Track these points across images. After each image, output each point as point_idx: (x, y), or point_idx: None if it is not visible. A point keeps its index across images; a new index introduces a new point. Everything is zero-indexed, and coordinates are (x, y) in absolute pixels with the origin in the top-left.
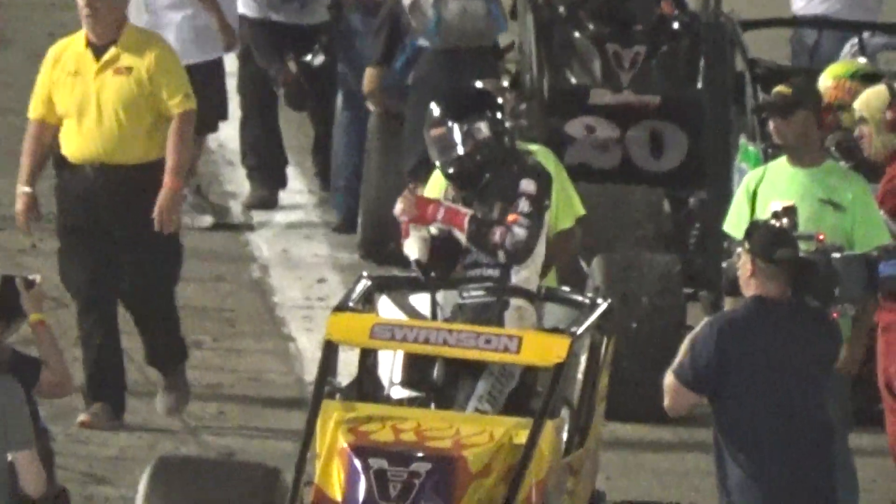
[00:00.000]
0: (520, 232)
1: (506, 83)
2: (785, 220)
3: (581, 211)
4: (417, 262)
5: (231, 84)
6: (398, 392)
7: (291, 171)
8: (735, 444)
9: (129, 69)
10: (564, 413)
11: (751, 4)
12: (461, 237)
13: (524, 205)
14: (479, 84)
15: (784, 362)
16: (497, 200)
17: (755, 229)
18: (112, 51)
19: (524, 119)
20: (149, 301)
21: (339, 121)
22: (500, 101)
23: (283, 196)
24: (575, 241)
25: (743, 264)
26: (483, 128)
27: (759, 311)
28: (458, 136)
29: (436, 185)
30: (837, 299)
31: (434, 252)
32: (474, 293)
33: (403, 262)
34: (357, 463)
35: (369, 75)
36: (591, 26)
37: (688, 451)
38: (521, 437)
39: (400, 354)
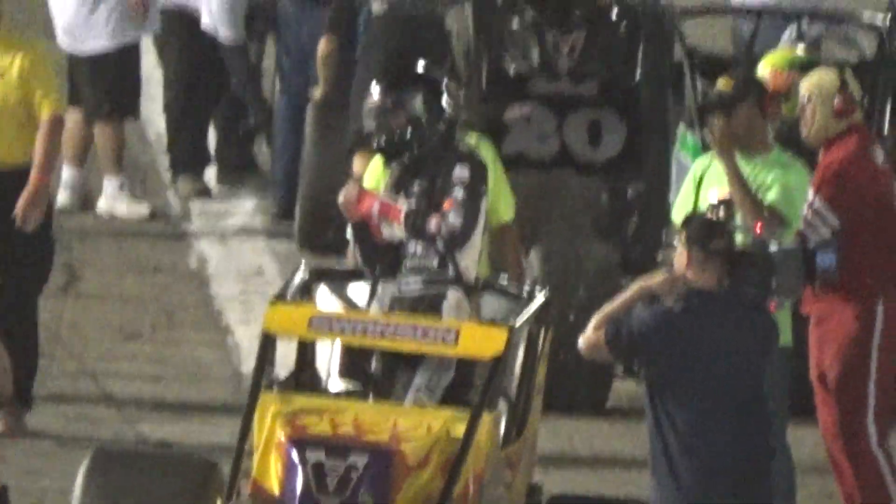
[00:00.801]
0: (455, 219)
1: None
2: (721, 212)
3: (509, 214)
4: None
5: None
6: (336, 384)
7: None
8: (671, 436)
9: (1, 74)
10: (502, 405)
11: None
12: (398, 230)
13: (458, 192)
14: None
15: (720, 354)
16: (431, 188)
17: (691, 220)
18: None
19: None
20: (12, 306)
21: (277, 107)
22: (444, 85)
23: (221, 186)
24: (515, 235)
25: (678, 255)
26: (417, 104)
27: (697, 305)
28: (390, 106)
29: (375, 173)
30: (774, 291)
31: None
32: (413, 285)
33: (341, 250)
34: (294, 456)
35: (322, 44)
36: (529, 13)
37: (625, 442)
38: (459, 430)
39: (337, 346)
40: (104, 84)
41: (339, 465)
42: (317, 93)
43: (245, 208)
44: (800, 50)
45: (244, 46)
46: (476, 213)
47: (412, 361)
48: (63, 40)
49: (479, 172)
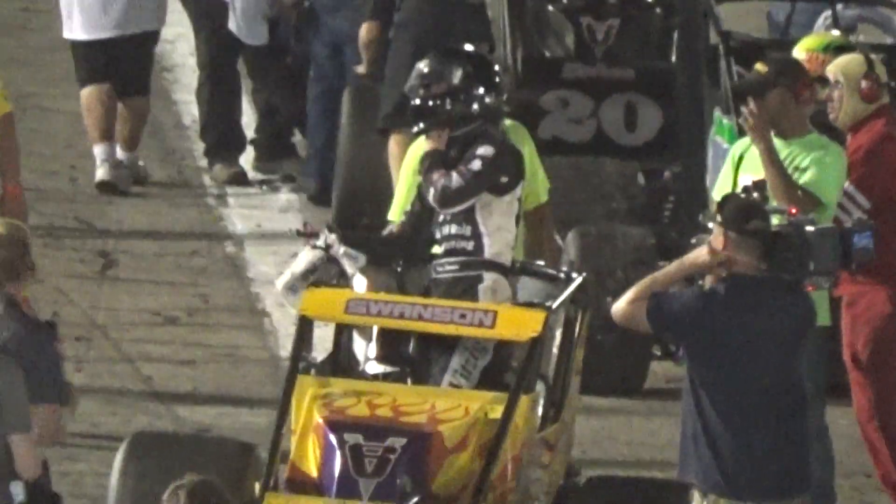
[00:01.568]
0: (455, 179)
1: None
2: (755, 195)
3: (545, 196)
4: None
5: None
6: (373, 367)
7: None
8: (711, 415)
9: None
10: (540, 387)
11: None
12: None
13: (475, 163)
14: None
15: (758, 336)
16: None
17: (727, 202)
18: None
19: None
20: None
21: (311, 94)
22: (495, 70)
23: (257, 171)
24: (551, 217)
25: (715, 237)
26: (457, 77)
27: (738, 288)
28: (434, 74)
29: (414, 157)
30: (811, 272)
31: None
32: (448, 267)
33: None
34: (332, 438)
35: (364, 30)
36: None
37: (662, 423)
38: (497, 412)
39: (375, 329)
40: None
41: (377, 448)
42: (360, 69)
43: (282, 193)
44: (835, 34)
45: (269, 46)
46: (481, 186)
47: (449, 344)
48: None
49: (506, 157)
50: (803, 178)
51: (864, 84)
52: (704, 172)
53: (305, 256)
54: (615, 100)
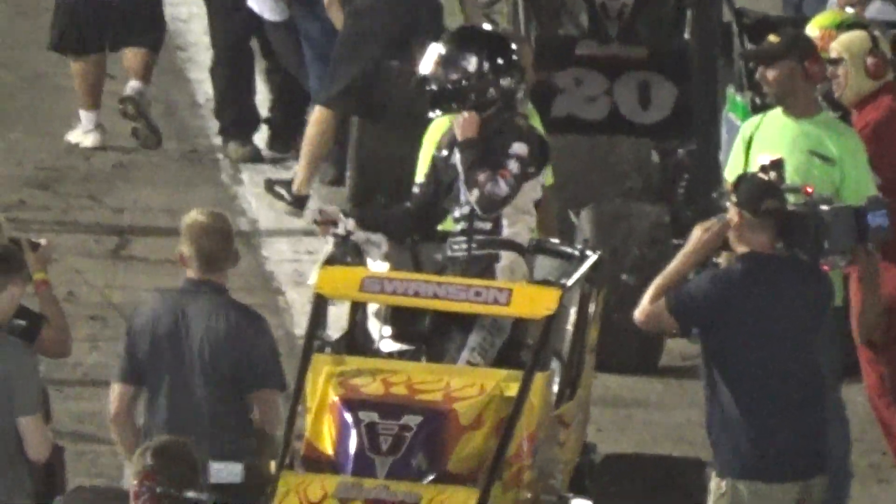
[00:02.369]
0: (503, 187)
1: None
2: (772, 174)
3: (550, 178)
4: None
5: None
6: (388, 345)
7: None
8: (727, 397)
9: None
10: (555, 365)
11: None
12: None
13: (514, 165)
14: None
15: (776, 316)
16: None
17: (742, 182)
18: None
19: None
20: None
21: (313, 74)
22: (512, 52)
23: (272, 150)
24: (551, 199)
25: (730, 217)
26: (471, 63)
27: (755, 267)
28: (452, 58)
29: (437, 131)
30: (827, 251)
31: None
32: (465, 246)
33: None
34: (348, 416)
35: None
36: None
37: (678, 402)
38: (512, 390)
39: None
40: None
41: (393, 426)
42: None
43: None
44: (848, 11)
45: (288, 23)
46: (520, 188)
47: (465, 322)
48: None
49: (538, 150)
50: (853, 184)
51: (869, 61)
52: (718, 150)
53: (330, 249)
54: (629, 78)
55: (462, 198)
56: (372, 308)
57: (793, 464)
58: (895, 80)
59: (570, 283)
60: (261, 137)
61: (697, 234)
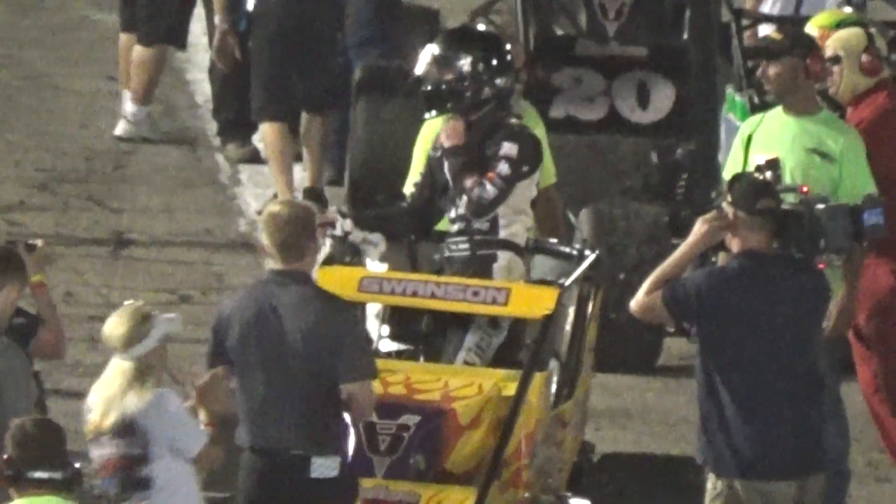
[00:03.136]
0: (490, 190)
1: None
2: (768, 174)
3: (553, 177)
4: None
5: None
6: (387, 345)
7: None
8: (723, 394)
9: None
10: (553, 365)
11: None
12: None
13: (503, 167)
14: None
15: (771, 313)
16: (479, 153)
17: (737, 181)
18: None
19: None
20: None
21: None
22: (506, 52)
23: None
24: (559, 196)
25: (725, 216)
26: (466, 63)
27: (751, 265)
28: (445, 58)
29: (431, 130)
30: (823, 250)
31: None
32: (462, 246)
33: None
34: (346, 416)
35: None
36: None
37: (677, 401)
38: (510, 389)
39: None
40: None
41: (391, 425)
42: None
43: (294, 173)
44: (847, 10)
45: None
46: (511, 189)
47: (463, 322)
48: None
49: (529, 150)
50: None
51: (864, 58)
52: (717, 149)
53: (327, 250)
54: (628, 77)
55: (455, 195)
56: (371, 309)
57: (790, 462)
58: (890, 79)
59: (568, 282)
60: (259, 138)
61: (698, 226)
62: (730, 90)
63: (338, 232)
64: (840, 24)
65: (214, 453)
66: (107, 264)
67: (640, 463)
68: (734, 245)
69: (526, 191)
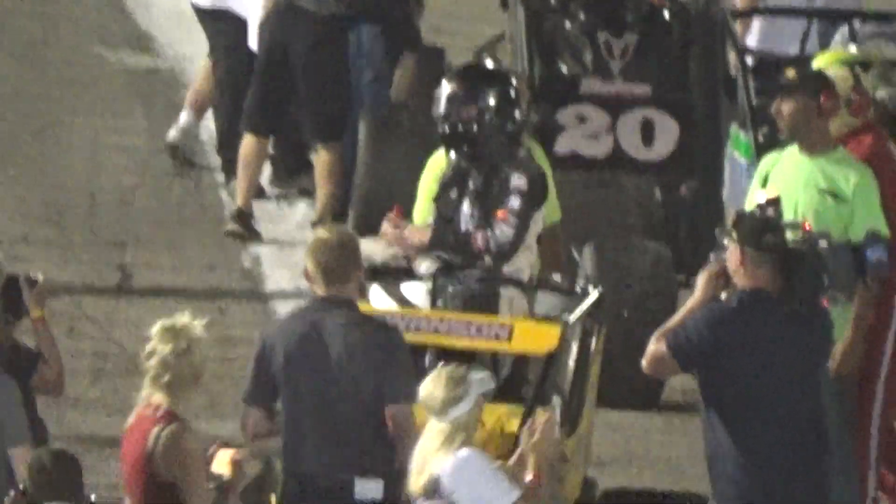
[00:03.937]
0: (507, 230)
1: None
2: (770, 211)
3: (559, 213)
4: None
5: None
6: None
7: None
8: (726, 437)
9: None
10: (556, 401)
11: None
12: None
13: (515, 201)
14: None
15: (772, 354)
16: (487, 192)
17: (743, 218)
18: None
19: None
20: None
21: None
22: (514, 86)
23: (274, 187)
24: (560, 236)
25: (731, 253)
26: (490, 98)
27: (752, 302)
28: (462, 97)
29: (436, 164)
30: (827, 287)
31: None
32: (467, 281)
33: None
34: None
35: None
36: (581, 16)
37: (679, 438)
38: (513, 425)
39: None
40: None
41: None
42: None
43: (299, 208)
44: (852, 48)
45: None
46: (528, 223)
47: (466, 357)
48: None
49: (537, 182)
50: (863, 223)
51: (852, 97)
52: (721, 187)
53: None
54: (632, 115)
55: (463, 229)
56: None
57: (794, 497)
58: (875, 120)
59: (571, 319)
60: (264, 174)
61: (702, 280)
62: (734, 128)
63: None
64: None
65: None
66: (110, 298)
67: (643, 500)
68: (739, 281)
69: (533, 225)
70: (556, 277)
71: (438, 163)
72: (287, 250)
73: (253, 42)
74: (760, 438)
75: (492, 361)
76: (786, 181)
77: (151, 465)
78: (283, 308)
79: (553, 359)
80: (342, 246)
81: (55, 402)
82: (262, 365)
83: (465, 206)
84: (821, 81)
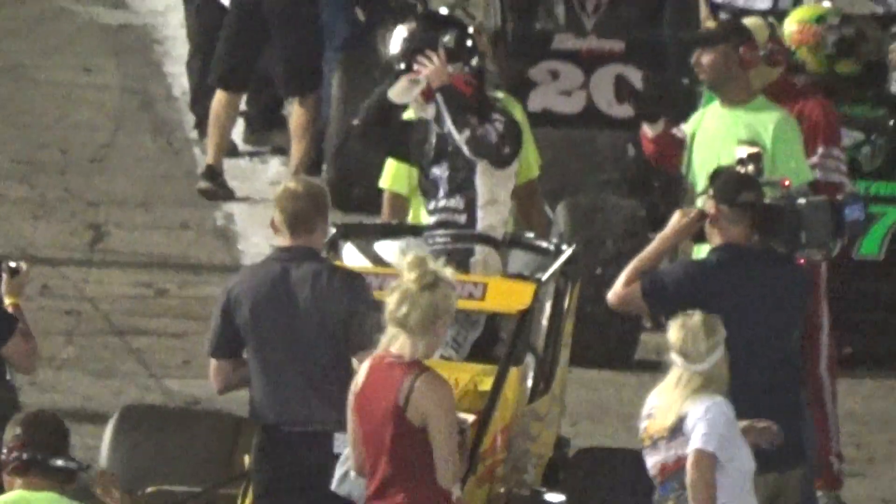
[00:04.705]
0: (492, 133)
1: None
2: (750, 167)
3: (537, 170)
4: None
5: None
6: None
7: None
8: None
9: None
10: (529, 359)
11: None
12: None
13: (499, 126)
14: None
15: (752, 307)
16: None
17: (719, 175)
18: None
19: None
20: None
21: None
22: (471, 35)
23: (247, 144)
24: (540, 191)
25: (706, 209)
26: (447, 42)
27: (728, 257)
28: (420, 40)
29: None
30: (804, 245)
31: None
32: (440, 240)
33: (368, 208)
34: None
35: None
36: None
37: None
38: (486, 384)
39: None
40: None
41: None
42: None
43: (272, 165)
44: (826, 4)
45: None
46: (504, 147)
47: None
48: None
49: (512, 131)
50: (784, 167)
51: (769, 47)
52: None
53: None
54: (606, 71)
55: (438, 187)
56: None
57: (769, 455)
58: (812, 83)
59: (545, 277)
60: (237, 131)
61: (676, 218)
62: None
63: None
64: (820, 18)
65: None
66: (83, 257)
67: (617, 458)
68: (714, 237)
69: (506, 180)
70: (530, 235)
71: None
72: (260, 208)
73: None
74: (735, 391)
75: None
76: (708, 136)
77: (403, 416)
78: None
79: (526, 317)
80: (310, 196)
81: None
82: (227, 317)
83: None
84: (741, 32)
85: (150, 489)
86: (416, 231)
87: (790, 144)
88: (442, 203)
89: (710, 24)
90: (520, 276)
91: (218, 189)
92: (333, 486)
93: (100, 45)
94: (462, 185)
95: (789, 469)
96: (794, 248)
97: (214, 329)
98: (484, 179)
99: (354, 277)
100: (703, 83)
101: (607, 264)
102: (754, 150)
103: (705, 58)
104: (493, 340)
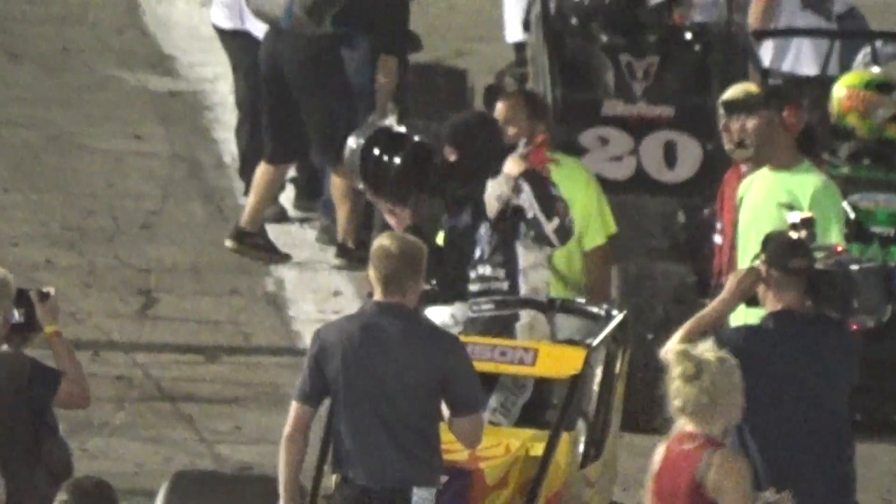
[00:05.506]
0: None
1: None
2: (803, 232)
3: (613, 228)
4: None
5: None
6: None
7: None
8: (756, 455)
9: None
10: (580, 425)
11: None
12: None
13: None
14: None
15: (805, 374)
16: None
17: (770, 239)
18: None
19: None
20: None
21: None
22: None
23: (297, 209)
24: (609, 258)
25: (761, 275)
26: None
27: (781, 324)
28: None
29: None
30: (855, 311)
31: (499, 216)
32: (485, 307)
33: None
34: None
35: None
36: (603, 37)
37: None
38: (538, 450)
39: None
40: None
41: None
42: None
43: (322, 231)
44: (875, 71)
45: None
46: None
47: (487, 382)
48: None
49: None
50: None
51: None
52: None
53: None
54: (655, 137)
55: (478, 254)
56: None
57: None
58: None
59: (595, 342)
60: (286, 197)
61: (732, 282)
62: None
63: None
64: (869, 84)
65: None
66: (134, 323)
67: None
68: (767, 302)
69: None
70: (579, 301)
71: None
72: (310, 273)
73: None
74: (789, 458)
75: (539, 388)
76: (753, 200)
77: (701, 491)
78: (308, 331)
79: (577, 382)
80: (403, 255)
81: (81, 427)
82: (318, 365)
83: (482, 230)
84: (783, 96)
85: None
86: (463, 298)
87: (826, 211)
88: (481, 271)
89: (748, 86)
90: (570, 342)
91: (247, 249)
92: None
93: (149, 112)
94: (505, 251)
95: None
96: (847, 314)
97: (305, 373)
98: (526, 242)
99: (452, 338)
100: (727, 151)
101: (657, 330)
102: (807, 214)
103: (749, 123)
104: (543, 405)
